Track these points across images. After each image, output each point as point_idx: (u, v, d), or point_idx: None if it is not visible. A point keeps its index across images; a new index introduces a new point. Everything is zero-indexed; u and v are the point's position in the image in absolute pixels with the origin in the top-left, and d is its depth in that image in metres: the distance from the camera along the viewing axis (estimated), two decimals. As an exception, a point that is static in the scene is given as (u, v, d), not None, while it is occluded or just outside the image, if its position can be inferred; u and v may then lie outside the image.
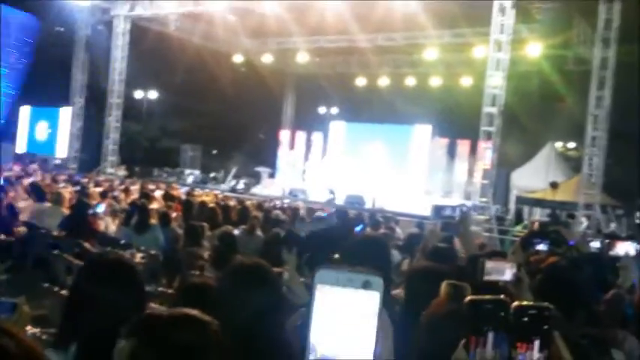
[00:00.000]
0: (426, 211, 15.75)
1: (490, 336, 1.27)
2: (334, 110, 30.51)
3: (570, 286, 3.12)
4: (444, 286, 2.11)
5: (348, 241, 3.22)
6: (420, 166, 21.98)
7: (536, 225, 11.56)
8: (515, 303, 1.32)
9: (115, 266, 2.23)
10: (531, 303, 1.39)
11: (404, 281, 3.07)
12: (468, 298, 1.31)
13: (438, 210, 15.29)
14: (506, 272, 2.96)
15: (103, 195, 10.40)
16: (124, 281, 2.15)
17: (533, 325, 1.29)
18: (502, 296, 1.31)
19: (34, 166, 19.98)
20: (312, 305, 0.83)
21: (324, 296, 0.83)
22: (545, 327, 1.30)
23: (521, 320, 1.30)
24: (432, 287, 2.21)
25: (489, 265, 2.99)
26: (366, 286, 0.82)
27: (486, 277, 2.90)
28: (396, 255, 7.69)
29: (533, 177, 19.35)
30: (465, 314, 1.29)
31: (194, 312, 1.45)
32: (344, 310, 0.82)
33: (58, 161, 24.98)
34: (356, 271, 0.84)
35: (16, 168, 17.54)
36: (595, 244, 6.55)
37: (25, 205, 8.66)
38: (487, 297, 1.31)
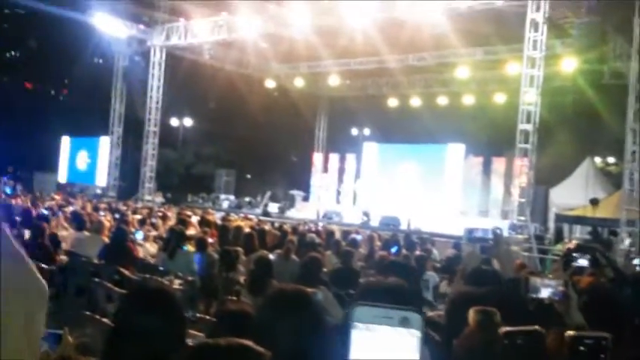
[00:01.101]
0: (461, 232, 15.54)
1: None
2: (367, 132, 30.53)
3: (615, 309, 3.03)
4: (472, 313, 2.03)
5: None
6: (454, 186, 21.72)
7: (572, 243, 11.29)
8: (571, 332, 1.28)
9: (157, 296, 2.27)
10: (588, 333, 1.34)
11: (445, 308, 3.03)
12: (503, 330, 1.27)
13: (469, 232, 15.04)
14: (550, 289, 2.91)
15: (142, 222, 10.59)
16: (165, 311, 2.18)
17: (589, 355, 1.25)
18: (537, 327, 1.27)
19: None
20: (349, 343, 0.80)
21: (361, 334, 0.80)
22: (602, 356, 1.26)
23: (578, 350, 1.25)
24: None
25: (533, 281, 2.95)
26: (404, 323, 0.80)
27: (531, 295, 2.87)
28: (433, 276, 7.59)
29: (573, 194, 18.90)
30: (499, 345, 1.26)
31: (249, 342, 1.48)
32: (382, 348, 0.79)
33: (98, 190, 25.57)
34: (393, 307, 0.82)
35: (57, 197, 18.02)
36: (638, 262, 6.35)
37: (66, 234, 8.88)
38: (521, 328, 1.28)
